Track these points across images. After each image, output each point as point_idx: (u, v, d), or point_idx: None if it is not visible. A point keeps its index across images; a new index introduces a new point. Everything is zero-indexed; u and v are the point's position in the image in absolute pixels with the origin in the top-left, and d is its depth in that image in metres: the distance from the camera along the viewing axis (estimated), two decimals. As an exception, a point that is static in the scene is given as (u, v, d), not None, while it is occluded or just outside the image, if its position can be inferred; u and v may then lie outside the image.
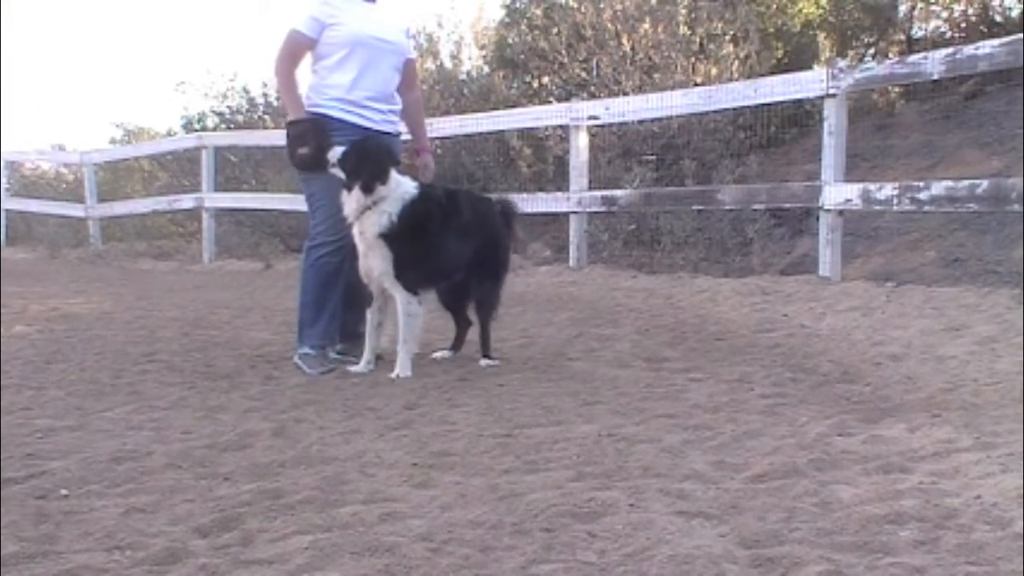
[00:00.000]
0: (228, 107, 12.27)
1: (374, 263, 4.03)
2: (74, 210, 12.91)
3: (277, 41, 4.33)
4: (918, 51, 6.74)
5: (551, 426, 3.10)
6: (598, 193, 7.37)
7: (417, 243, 4.02)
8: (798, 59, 8.59)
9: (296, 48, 4.31)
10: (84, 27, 39.16)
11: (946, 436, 2.80)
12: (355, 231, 4.06)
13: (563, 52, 8.93)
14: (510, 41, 10.16)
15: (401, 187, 4.05)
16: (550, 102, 8.86)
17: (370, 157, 4.00)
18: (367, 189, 3.96)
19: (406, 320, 4.04)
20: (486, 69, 10.57)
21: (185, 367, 4.29)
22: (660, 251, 7.41)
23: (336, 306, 4.33)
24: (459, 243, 4.19)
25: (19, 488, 2.48)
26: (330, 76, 4.27)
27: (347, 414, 3.34)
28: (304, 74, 4.45)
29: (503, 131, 8.61)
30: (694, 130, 8.00)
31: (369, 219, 3.99)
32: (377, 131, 4.30)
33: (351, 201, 4.01)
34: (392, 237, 3.98)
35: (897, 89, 7.96)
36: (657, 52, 8.38)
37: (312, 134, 4.17)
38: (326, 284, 4.30)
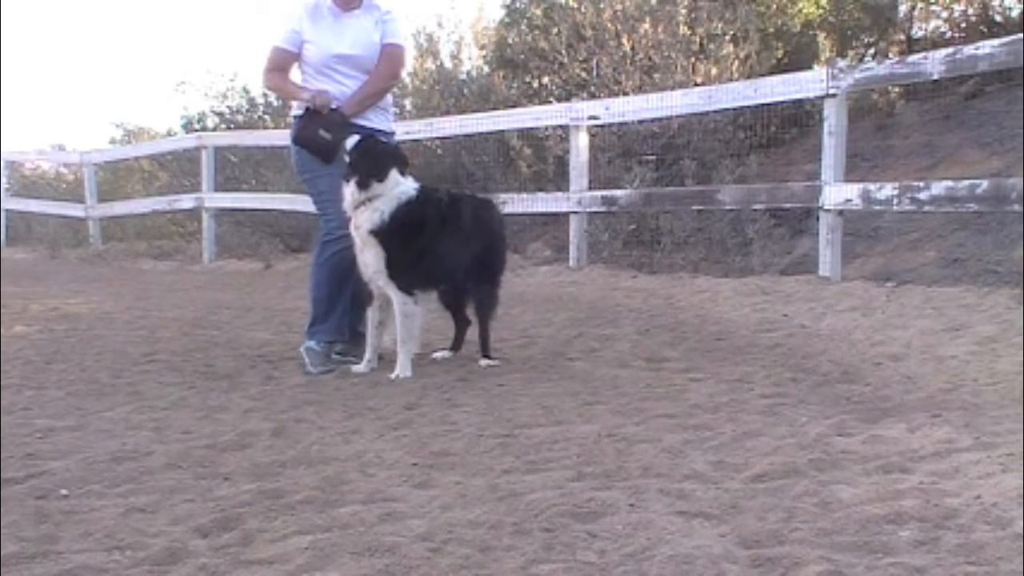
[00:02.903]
0: (228, 107, 12.27)
1: (368, 260, 4.05)
2: (74, 210, 12.91)
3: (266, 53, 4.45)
4: (918, 51, 6.73)
5: (551, 426, 3.10)
6: (598, 193, 7.37)
7: (411, 244, 4.03)
8: (798, 59, 8.58)
9: (280, 63, 4.42)
10: (84, 27, 39.18)
11: (946, 436, 2.80)
12: (351, 225, 4.09)
13: (563, 52, 8.92)
14: (510, 41, 10.16)
15: (399, 187, 4.06)
16: (550, 102, 8.86)
17: (371, 154, 4.04)
18: (361, 185, 4.00)
19: (403, 320, 4.05)
20: (486, 69, 10.56)
21: (185, 367, 4.30)
22: (660, 251, 7.40)
23: (348, 302, 4.35)
24: (458, 247, 4.19)
25: (19, 488, 2.49)
26: (314, 85, 4.34)
27: (347, 414, 3.34)
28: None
29: (503, 131, 8.61)
30: (694, 130, 7.99)
31: (363, 215, 4.03)
32: (375, 129, 4.33)
33: (348, 193, 4.05)
34: (384, 235, 4.00)
35: (897, 89, 7.94)
36: (657, 52, 8.37)
37: (341, 128, 4.21)
38: (340, 279, 4.32)
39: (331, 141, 4.22)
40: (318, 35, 4.31)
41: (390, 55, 4.41)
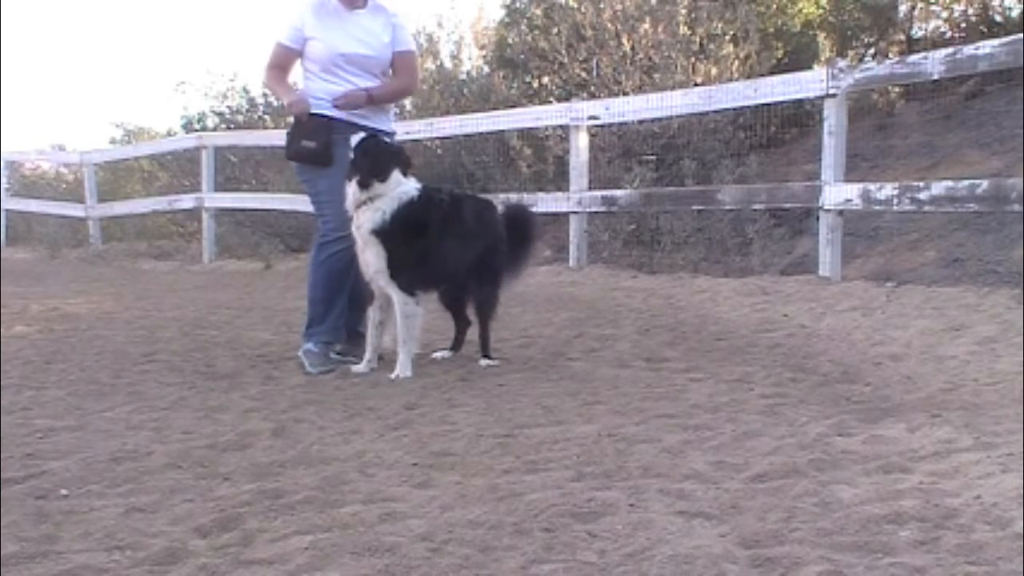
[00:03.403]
0: (228, 107, 12.28)
1: (369, 259, 4.06)
2: (74, 210, 12.91)
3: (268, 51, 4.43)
4: (918, 51, 6.72)
5: (551, 426, 3.10)
6: (598, 193, 7.37)
7: (412, 244, 4.03)
8: (798, 59, 8.57)
9: (282, 60, 4.41)
10: (84, 27, 39.19)
11: (946, 436, 2.80)
12: (353, 225, 4.10)
13: (563, 52, 8.92)
14: (510, 41, 10.16)
15: (400, 187, 4.06)
16: (550, 102, 8.86)
17: (373, 154, 4.06)
18: (362, 184, 4.02)
19: (404, 321, 4.05)
20: (486, 69, 10.56)
21: (185, 367, 4.30)
22: (660, 251, 7.40)
23: (345, 303, 4.36)
24: (459, 247, 4.18)
25: (19, 488, 2.48)
26: (318, 85, 4.33)
27: (347, 414, 3.34)
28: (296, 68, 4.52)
29: (503, 131, 8.61)
30: (694, 130, 7.99)
31: (364, 214, 4.04)
32: (376, 129, 4.33)
33: (350, 193, 4.07)
34: (385, 235, 4.01)
35: (897, 89, 7.94)
36: (657, 52, 8.37)
37: (322, 131, 4.23)
38: (337, 281, 4.33)
39: (316, 148, 4.23)
40: (324, 33, 4.28)
41: (411, 64, 4.54)
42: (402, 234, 4.01)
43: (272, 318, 5.87)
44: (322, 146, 4.23)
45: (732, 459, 2.67)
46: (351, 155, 4.07)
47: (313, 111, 4.29)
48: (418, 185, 4.15)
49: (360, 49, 4.30)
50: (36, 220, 13.83)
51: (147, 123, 16.07)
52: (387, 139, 4.35)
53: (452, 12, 21.96)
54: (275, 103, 11.57)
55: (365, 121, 4.33)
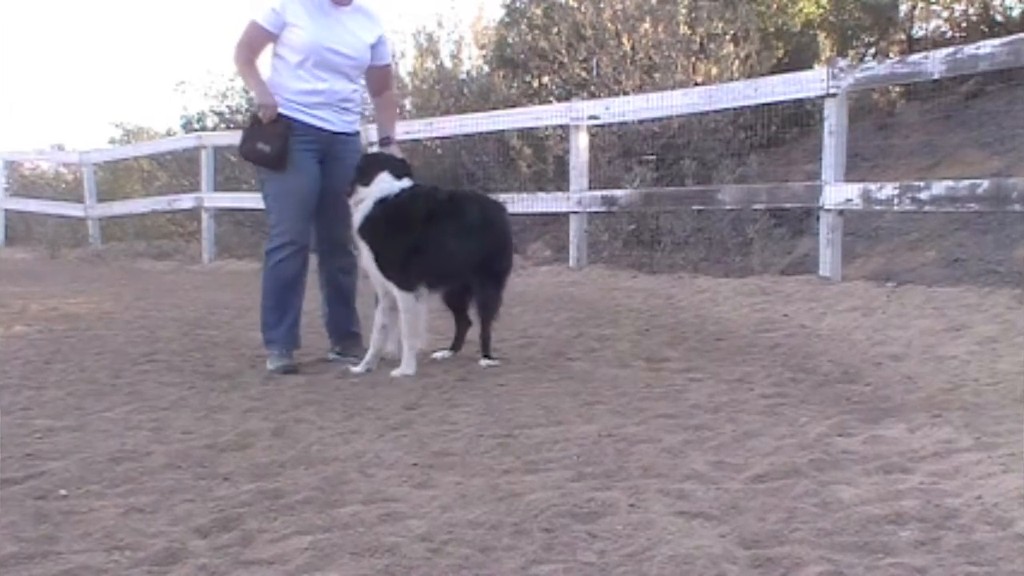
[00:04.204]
0: (228, 107, 12.29)
1: (364, 259, 4.13)
2: (74, 210, 12.92)
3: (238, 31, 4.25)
4: (918, 51, 6.73)
5: (551, 426, 3.09)
6: (598, 193, 7.37)
7: (396, 240, 4.03)
8: (798, 59, 8.58)
9: (255, 41, 4.23)
10: (84, 27, 39.20)
11: (946, 436, 2.80)
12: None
13: (563, 52, 8.93)
14: (510, 41, 10.17)
15: (380, 186, 4.08)
16: (550, 102, 8.86)
17: (363, 163, 4.18)
18: (347, 193, 4.13)
19: (404, 317, 4.07)
20: (486, 69, 10.56)
21: (185, 367, 4.29)
22: (660, 251, 7.40)
23: (299, 312, 4.33)
24: (457, 246, 4.14)
25: (19, 488, 2.48)
26: (286, 79, 4.21)
27: (347, 414, 3.34)
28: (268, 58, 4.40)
29: (503, 131, 8.61)
30: (694, 130, 7.99)
31: (355, 216, 4.12)
32: (336, 132, 4.29)
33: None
34: (366, 233, 4.07)
35: (897, 89, 7.95)
36: (657, 52, 8.38)
37: (280, 136, 4.16)
38: (285, 288, 4.26)
39: (271, 153, 4.17)
40: (308, 22, 4.14)
41: (391, 77, 4.72)
42: (382, 230, 4.04)
43: (272, 318, 5.86)
44: (277, 151, 4.14)
45: (732, 459, 2.67)
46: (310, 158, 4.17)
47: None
48: (404, 184, 4.13)
49: (343, 48, 4.20)
50: (36, 220, 13.84)
51: (147, 123, 16.10)
52: (349, 140, 4.34)
53: (452, 12, 21.91)
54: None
55: (327, 124, 4.25)
